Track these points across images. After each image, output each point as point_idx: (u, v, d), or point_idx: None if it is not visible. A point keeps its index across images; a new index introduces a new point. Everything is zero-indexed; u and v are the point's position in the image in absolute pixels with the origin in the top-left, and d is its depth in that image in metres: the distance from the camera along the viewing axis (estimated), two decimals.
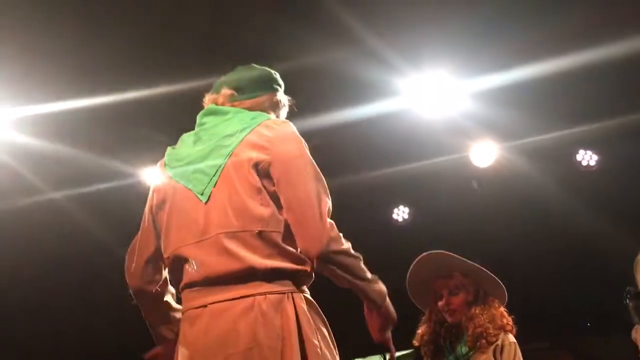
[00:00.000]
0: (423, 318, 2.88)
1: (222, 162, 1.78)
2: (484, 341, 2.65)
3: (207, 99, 2.00)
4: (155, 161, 2.00)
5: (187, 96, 2.60)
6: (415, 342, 2.86)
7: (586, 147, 4.95)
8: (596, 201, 5.00)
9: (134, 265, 1.91)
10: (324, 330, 1.76)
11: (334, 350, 1.75)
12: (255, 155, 1.76)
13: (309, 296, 1.79)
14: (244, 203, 1.72)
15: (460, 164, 5.01)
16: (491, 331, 2.65)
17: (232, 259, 1.70)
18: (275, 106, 2.00)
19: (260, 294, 1.68)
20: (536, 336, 5.49)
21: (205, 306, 1.72)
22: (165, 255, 1.85)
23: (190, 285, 1.77)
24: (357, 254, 1.79)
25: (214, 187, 1.76)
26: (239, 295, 1.68)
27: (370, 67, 3.92)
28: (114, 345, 5.67)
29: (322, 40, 3.67)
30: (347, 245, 1.76)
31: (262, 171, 1.75)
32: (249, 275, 1.69)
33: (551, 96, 4.27)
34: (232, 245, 1.70)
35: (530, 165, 4.95)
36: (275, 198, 1.75)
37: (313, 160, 1.80)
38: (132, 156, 4.41)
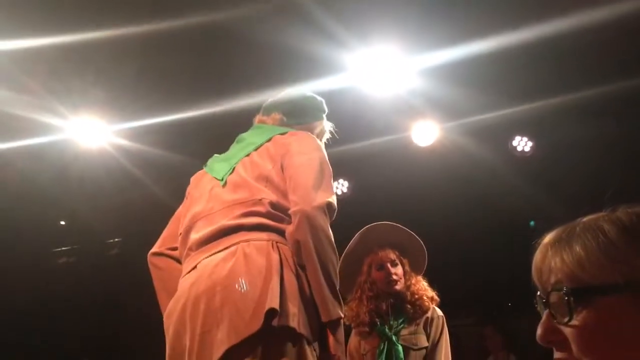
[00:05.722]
0: (350, 297, 2.69)
1: (244, 154, 1.87)
2: (418, 310, 2.56)
3: (256, 120, 2.06)
4: None
5: None
6: (346, 321, 2.61)
7: (523, 133, 4.73)
8: (531, 184, 4.82)
9: (159, 239, 1.95)
10: (305, 288, 1.67)
11: (308, 309, 1.65)
12: (274, 151, 1.83)
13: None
14: (253, 181, 1.78)
15: (401, 144, 4.71)
16: (425, 298, 2.59)
17: (224, 220, 1.72)
18: (319, 134, 2.07)
19: (244, 241, 1.66)
20: (466, 312, 5.51)
21: (195, 267, 1.71)
22: (178, 232, 1.87)
23: (188, 254, 1.78)
24: (336, 252, 1.71)
25: (231, 173, 1.84)
26: (224, 247, 1.67)
27: (314, 40, 3.59)
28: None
29: (262, 10, 3.37)
30: (328, 231, 1.69)
31: (277, 165, 1.81)
32: (237, 228, 1.69)
33: (497, 76, 4.01)
34: (229, 212, 1.73)
35: (469, 147, 4.67)
36: (282, 189, 1.78)
37: (326, 159, 1.83)
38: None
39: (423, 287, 2.63)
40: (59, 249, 5.69)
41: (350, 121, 4.11)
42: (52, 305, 5.36)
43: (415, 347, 2.53)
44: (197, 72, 3.94)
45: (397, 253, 2.65)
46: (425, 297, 2.59)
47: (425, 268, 2.71)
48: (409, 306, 2.57)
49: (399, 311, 2.58)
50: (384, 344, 2.52)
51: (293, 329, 1.58)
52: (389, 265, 2.62)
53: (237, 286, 1.57)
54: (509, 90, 4.14)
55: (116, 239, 5.47)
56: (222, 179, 1.85)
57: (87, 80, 3.88)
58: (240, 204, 1.76)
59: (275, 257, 1.64)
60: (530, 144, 4.74)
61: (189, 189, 2.01)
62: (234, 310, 1.56)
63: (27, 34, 3.37)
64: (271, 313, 1.54)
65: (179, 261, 1.89)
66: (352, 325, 2.65)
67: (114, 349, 5.57)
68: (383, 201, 4.87)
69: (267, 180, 1.79)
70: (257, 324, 1.53)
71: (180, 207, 2.00)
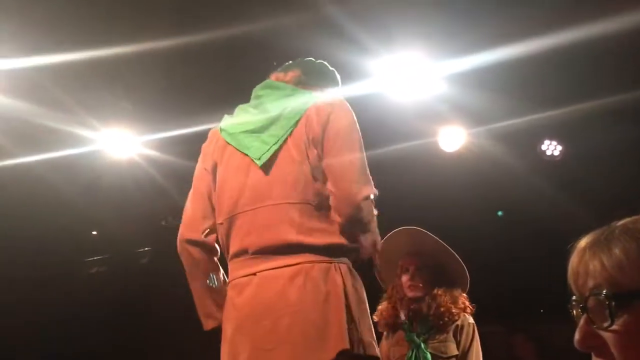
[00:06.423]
0: (384, 294, 2.75)
1: (284, 133, 1.75)
2: (446, 320, 2.54)
3: (273, 76, 1.98)
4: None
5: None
6: (375, 318, 2.67)
7: (552, 137, 4.66)
8: (560, 189, 4.77)
9: (190, 219, 1.83)
10: (365, 301, 1.72)
11: (370, 321, 1.73)
12: (314, 130, 1.73)
13: (352, 269, 1.75)
14: (301, 175, 1.70)
15: (427, 149, 4.67)
16: (454, 311, 2.55)
17: (284, 230, 1.66)
18: None
19: (308, 262, 1.64)
20: (495, 320, 5.26)
21: (254, 274, 1.67)
22: (219, 221, 1.78)
23: (240, 253, 1.71)
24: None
25: (272, 155, 1.73)
26: (287, 264, 1.65)
27: (340, 47, 3.51)
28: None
29: (288, 20, 3.38)
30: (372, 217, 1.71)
31: (318, 145, 1.73)
32: (299, 246, 1.66)
33: (525, 81, 3.93)
34: (286, 217, 1.67)
35: (497, 152, 4.61)
36: (323, 171, 1.73)
37: (360, 134, 1.78)
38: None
39: (452, 299, 2.59)
40: (91, 259, 5.79)
41: (376, 127, 4.07)
42: (85, 314, 5.45)
43: (445, 356, 2.51)
44: (224, 82, 3.90)
45: (425, 261, 2.65)
46: (453, 309, 2.57)
47: (467, 285, 2.69)
48: (434, 318, 2.56)
49: (424, 320, 2.58)
50: (413, 352, 2.51)
51: (358, 355, 1.63)
52: (412, 271, 2.65)
53: (306, 313, 1.61)
54: (537, 94, 4.06)
55: (146, 248, 5.56)
56: (259, 159, 1.76)
57: (117, 93, 3.93)
58: (293, 205, 1.70)
59: (338, 280, 1.66)
60: (559, 148, 4.67)
61: (210, 154, 1.89)
62: (301, 336, 1.60)
63: (59, 50, 3.43)
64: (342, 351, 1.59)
65: (211, 251, 1.84)
66: (380, 321, 2.68)
67: (145, 357, 5.63)
68: (409, 207, 4.69)
69: (316, 170, 1.75)
70: (326, 356, 1.58)
71: (200, 177, 1.88)
